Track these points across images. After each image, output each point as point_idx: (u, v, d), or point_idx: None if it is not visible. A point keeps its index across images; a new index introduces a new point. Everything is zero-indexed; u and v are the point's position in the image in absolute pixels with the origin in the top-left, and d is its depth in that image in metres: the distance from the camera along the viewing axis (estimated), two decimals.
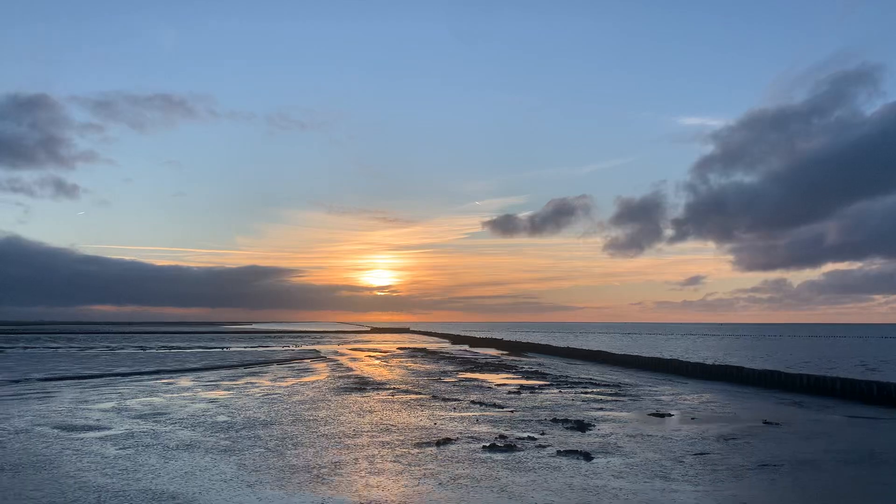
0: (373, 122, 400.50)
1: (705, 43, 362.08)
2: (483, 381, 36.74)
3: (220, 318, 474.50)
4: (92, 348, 75.21)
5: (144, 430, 19.65)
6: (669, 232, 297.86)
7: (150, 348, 75.67)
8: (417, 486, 13.06)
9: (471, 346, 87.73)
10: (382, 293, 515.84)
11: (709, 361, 43.52)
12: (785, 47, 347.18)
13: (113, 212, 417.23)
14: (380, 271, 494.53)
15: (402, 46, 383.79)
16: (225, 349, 75.60)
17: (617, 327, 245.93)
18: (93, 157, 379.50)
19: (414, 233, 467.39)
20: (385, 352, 70.70)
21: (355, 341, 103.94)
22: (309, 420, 21.70)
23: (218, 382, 35.37)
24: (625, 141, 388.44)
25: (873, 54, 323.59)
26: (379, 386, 33.38)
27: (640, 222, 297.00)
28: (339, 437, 18.39)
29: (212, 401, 27.02)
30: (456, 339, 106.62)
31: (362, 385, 33.73)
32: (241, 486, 13.04)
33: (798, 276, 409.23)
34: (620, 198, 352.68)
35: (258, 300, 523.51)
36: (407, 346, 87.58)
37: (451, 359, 58.03)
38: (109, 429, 19.88)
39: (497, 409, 24.30)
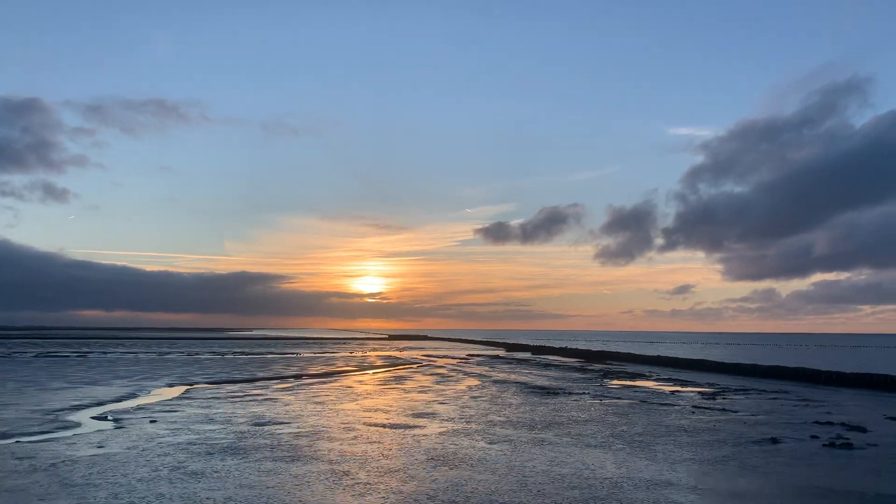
0: (367, 128, 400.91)
1: (696, 53, 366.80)
2: (645, 387, 37.32)
3: (211, 325, 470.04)
4: (150, 353, 74.96)
5: (459, 428, 20.05)
6: (660, 241, 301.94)
7: (200, 354, 75.21)
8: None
9: (534, 354, 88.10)
10: (373, 300, 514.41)
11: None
12: (776, 58, 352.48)
13: (103, 216, 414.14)
14: (371, 278, 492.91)
15: (396, 53, 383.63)
16: (297, 355, 75.64)
17: (611, 335, 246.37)
18: (84, 161, 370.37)
19: (405, 240, 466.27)
20: (463, 358, 71.14)
21: (395, 348, 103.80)
22: (568, 423, 22.20)
23: (393, 385, 35.73)
24: (616, 150, 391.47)
25: (863, 66, 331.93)
26: (558, 391, 33.86)
27: (631, 231, 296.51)
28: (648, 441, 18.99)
29: (447, 402, 27.41)
30: (511, 347, 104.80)
31: (545, 391, 34.11)
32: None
33: (786, 287, 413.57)
34: (612, 206, 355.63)
35: (248, 306, 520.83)
36: (472, 353, 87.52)
37: (557, 367, 58.34)
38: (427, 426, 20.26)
39: (726, 413, 24.98)
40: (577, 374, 47.15)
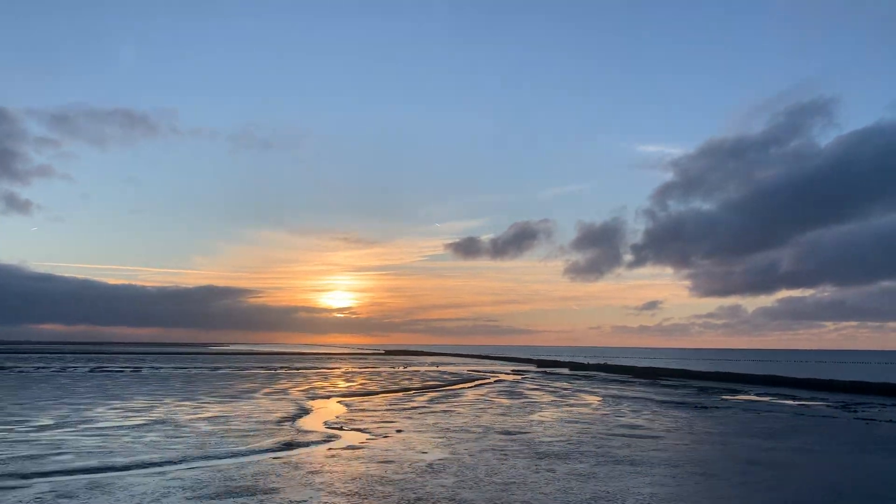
0: (336, 142, 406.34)
1: (666, 72, 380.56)
2: (768, 402, 39.98)
3: (174, 339, 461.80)
4: (199, 368, 75.30)
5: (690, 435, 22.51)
6: (629, 257, 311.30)
7: (221, 369, 75.56)
8: None
9: (571, 370, 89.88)
10: (342, 315, 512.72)
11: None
12: (743, 78, 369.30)
13: (67, 228, 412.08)
14: (339, 293, 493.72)
15: (367, 67, 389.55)
16: (334, 370, 76.69)
17: (582, 351, 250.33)
18: (48, 172, 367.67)
19: (374, 254, 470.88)
20: (517, 374, 73.12)
21: (423, 364, 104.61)
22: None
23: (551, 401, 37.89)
24: (587, 166, 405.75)
25: (828, 87, 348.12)
26: (700, 406, 36.47)
27: (601, 247, 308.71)
28: None
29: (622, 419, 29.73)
30: (542, 363, 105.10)
31: (693, 406, 36.58)
32: None
33: (753, 303, 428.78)
34: (581, 222, 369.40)
35: (213, 321, 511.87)
36: (513, 370, 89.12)
37: (629, 383, 59.87)
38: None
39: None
40: (671, 390, 49.10)
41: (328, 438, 21.81)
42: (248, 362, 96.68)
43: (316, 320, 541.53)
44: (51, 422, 24.70)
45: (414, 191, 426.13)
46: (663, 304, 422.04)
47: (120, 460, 17.01)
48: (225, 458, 17.57)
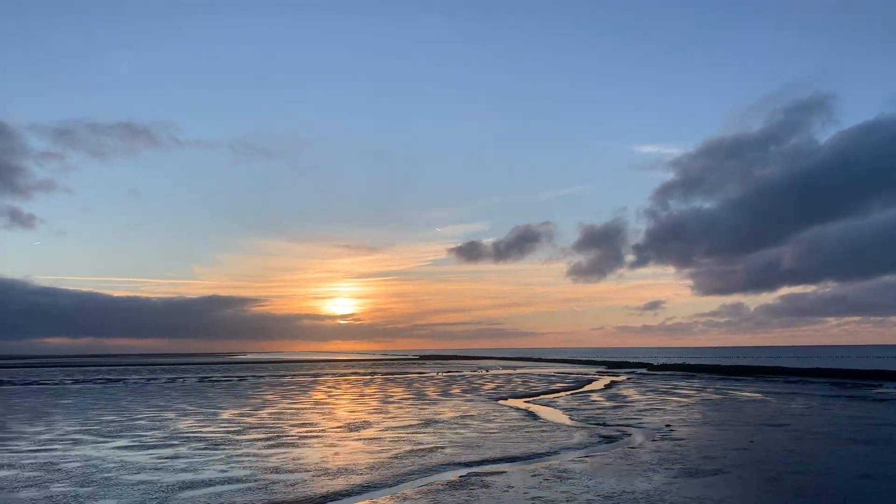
0: (335, 149, 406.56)
1: (663, 72, 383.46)
2: None
3: (180, 350, 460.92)
4: (298, 377, 76.88)
5: None
6: (630, 257, 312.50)
7: (353, 376, 77.36)
8: None
9: (650, 370, 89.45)
10: (345, 321, 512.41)
11: None
12: (741, 77, 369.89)
13: (70, 242, 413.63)
14: (342, 299, 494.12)
15: (365, 74, 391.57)
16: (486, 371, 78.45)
17: (586, 352, 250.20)
18: (51, 186, 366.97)
19: (376, 260, 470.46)
20: (607, 374, 74.95)
21: (482, 368, 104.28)
22: None
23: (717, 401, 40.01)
24: (586, 168, 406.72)
25: (826, 84, 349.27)
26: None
27: (602, 248, 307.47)
28: None
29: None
30: (612, 365, 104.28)
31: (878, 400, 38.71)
32: None
33: (755, 300, 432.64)
34: (583, 224, 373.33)
35: (218, 330, 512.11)
36: (598, 372, 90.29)
37: (749, 380, 61.43)
38: None
39: None
40: (800, 386, 50.17)
41: (658, 429, 24.07)
42: (348, 368, 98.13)
43: (320, 327, 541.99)
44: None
45: (414, 196, 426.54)
46: (666, 304, 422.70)
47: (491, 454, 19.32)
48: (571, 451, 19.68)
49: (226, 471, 16.44)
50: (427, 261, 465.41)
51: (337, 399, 41.41)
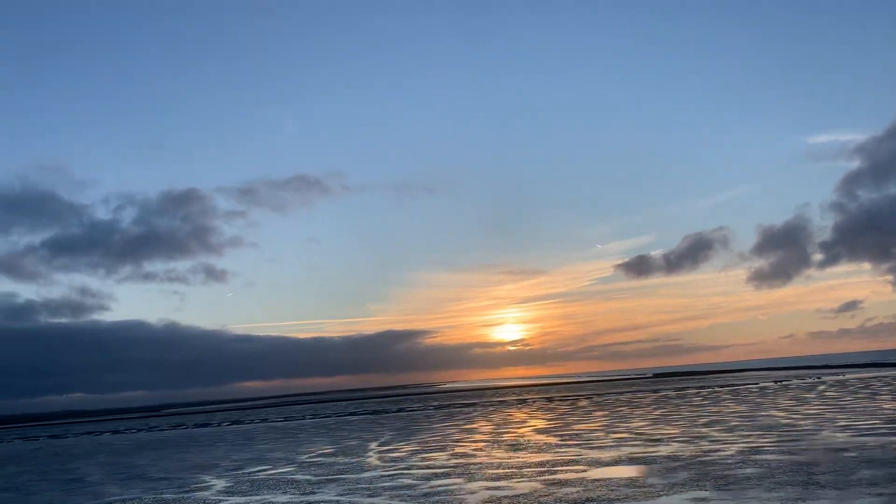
0: (490, 178, 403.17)
1: (833, 52, 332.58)
2: None
3: (363, 384, 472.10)
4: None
5: None
6: (818, 256, 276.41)
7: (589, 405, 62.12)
8: None
9: None
10: (515, 347, 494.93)
11: None
12: None
13: (259, 291, 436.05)
14: (509, 325, 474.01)
15: (514, 102, 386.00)
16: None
17: (779, 362, 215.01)
18: (238, 242, 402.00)
19: (540, 283, 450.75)
20: None
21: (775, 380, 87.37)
22: None
23: None
24: (754, 165, 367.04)
25: None
26: None
27: (785, 249, 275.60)
28: None
29: None
30: None
31: None
32: None
33: None
34: (760, 226, 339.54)
35: (397, 363, 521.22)
36: None
37: None
38: None
39: None
40: None
41: None
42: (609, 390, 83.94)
43: (491, 355, 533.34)
44: None
45: (571, 216, 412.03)
46: (863, 304, 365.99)
47: None
48: None
49: None
50: (592, 279, 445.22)
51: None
